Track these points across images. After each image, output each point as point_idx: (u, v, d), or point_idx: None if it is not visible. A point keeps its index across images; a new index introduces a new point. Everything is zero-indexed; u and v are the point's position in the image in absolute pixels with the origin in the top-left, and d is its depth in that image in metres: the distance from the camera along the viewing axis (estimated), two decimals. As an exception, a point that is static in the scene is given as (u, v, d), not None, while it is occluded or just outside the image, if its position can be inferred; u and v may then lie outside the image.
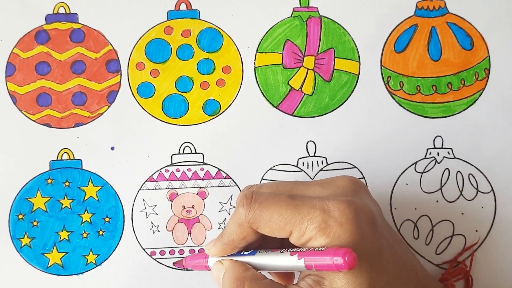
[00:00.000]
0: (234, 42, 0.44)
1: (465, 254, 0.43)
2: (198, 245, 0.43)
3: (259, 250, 0.35)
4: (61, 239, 0.42)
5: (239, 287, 0.33)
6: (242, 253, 0.36)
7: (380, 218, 0.35)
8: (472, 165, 0.43)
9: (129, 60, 0.44)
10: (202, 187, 0.43)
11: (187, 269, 0.42)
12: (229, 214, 0.43)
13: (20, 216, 0.42)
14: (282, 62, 0.44)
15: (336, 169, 0.43)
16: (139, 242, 0.42)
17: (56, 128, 0.43)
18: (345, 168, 0.43)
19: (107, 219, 0.42)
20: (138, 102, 0.43)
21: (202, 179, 0.43)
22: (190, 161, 0.43)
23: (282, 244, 0.36)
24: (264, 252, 0.35)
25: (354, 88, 0.44)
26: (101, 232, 0.42)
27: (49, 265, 0.42)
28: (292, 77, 0.44)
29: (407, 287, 0.34)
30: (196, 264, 0.40)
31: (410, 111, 0.44)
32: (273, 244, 0.36)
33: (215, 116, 0.44)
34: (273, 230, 0.33)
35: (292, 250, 0.32)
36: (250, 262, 0.35)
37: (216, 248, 0.36)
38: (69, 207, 0.42)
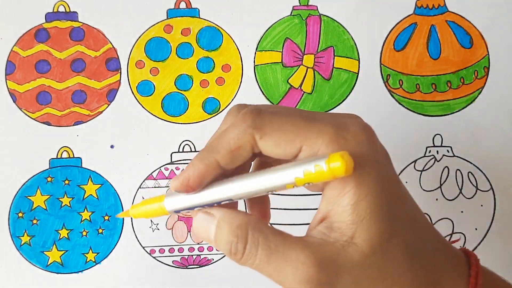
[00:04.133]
0: (233, 41, 0.44)
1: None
2: (198, 243, 0.43)
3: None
4: (61, 237, 0.42)
5: (242, 234, 0.27)
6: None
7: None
8: (471, 163, 0.43)
9: (128, 59, 0.44)
10: (202, 185, 0.43)
11: (187, 267, 0.42)
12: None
13: (20, 214, 0.42)
14: (282, 60, 0.44)
15: (336, 167, 0.43)
16: (138, 241, 0.42)
17: (56, 126, 0.43)
18: (345, 166, 0.43)
19: (106, 217, 0.42)
20: (137, 101, 0.44)
21: (201, 177, 0.43)
22: (189, 160, 0.43)
23: None
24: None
25: (354, 86, 0.44)
26: (100, 230, 0.42)
27: (49, 263, 0.42)
28: (292, 75, 0.44)
29: (426, 226, 0.29)
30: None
31: (409, 109, 0.44)
32: None
33: (215, 114, 0.44)
34: (279, 142, 0.27)
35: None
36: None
37: (196, 168, 0.28)
38: (69, 205, 0.42)
